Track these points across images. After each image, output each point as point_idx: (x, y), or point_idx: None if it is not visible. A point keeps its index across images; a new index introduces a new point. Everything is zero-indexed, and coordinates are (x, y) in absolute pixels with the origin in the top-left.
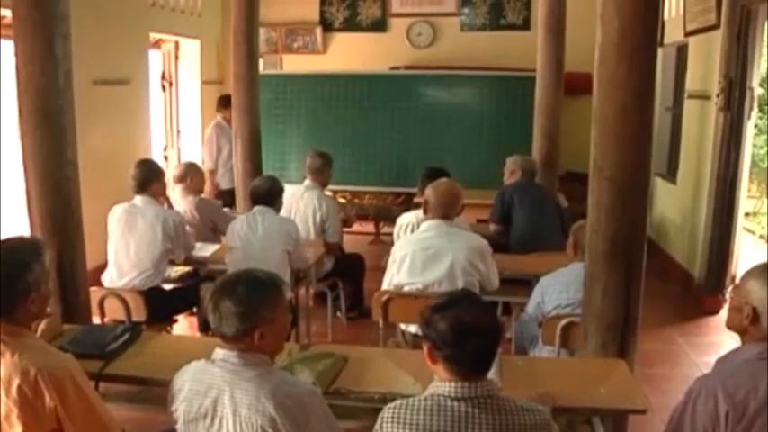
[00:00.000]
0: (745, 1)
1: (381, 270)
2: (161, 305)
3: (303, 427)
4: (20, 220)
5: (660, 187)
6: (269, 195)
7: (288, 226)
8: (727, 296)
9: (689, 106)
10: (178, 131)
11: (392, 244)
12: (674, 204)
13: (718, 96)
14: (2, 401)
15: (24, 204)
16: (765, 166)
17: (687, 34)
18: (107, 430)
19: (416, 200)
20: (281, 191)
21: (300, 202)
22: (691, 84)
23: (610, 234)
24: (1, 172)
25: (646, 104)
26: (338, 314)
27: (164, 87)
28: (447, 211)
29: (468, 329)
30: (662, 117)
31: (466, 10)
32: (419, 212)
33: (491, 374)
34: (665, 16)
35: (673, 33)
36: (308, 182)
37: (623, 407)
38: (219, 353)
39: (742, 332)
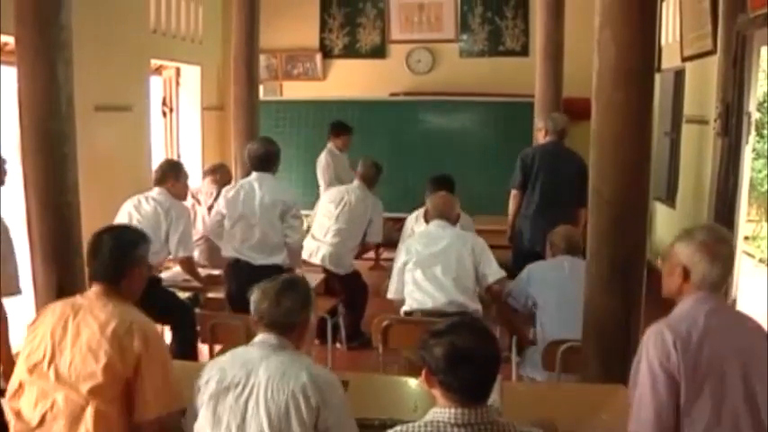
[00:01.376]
0: (741, 27)
1: (382, 296)
2: (153, 292)
3: (326, 402)
4: (20, 245)
5: (659, 211)
6: (266, 158)
7: (285, 194)
8: (659, 266)
9: (687, 131)
10: (179, 157)
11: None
12: (674, 228)
13: (715, 121)
14: (95, 338)
15: (25, 229)
16: (764, 189)
17: (684, 59)
18: (176, 399)
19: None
20: (278, 152)
21: (352, 195)
22: (689, 109)
23: (609, 258)
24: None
25: (644, 129)
26: (338, 345)
27: (164, 113)
28: (444, 216)
29: (461, 356)
30: (660, 141)
31: (465, 36)
32: None
33: (491, 399)
34: (662, 42)
35: (670, 59)
36: (357, 182)
37: None
38: (259, 336)
39: (677, 294)
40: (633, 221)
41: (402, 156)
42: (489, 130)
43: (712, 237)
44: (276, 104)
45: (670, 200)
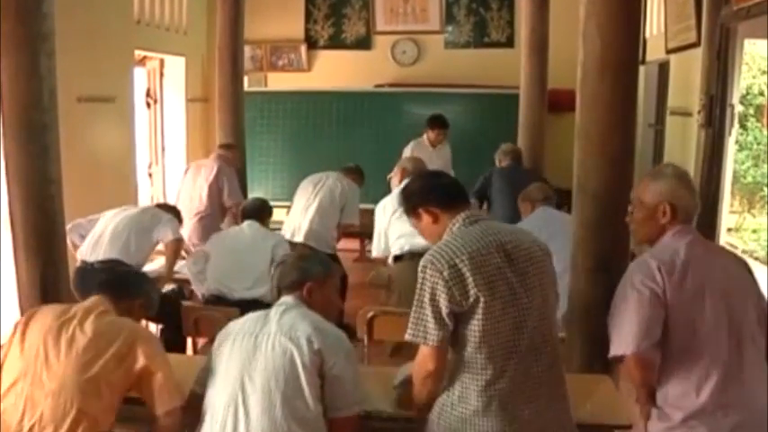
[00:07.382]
0: (724, 19)
1: (366, 287)
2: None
3: (329, 347)
4: (2, 238)
5: None
6: (260, 211)
7: (276, 238)
8: (629, 216)
9: (671, 123)
10: (163, 149)
11: (378, 261)
12: None
13: (699, 113)
14: (91, 347)
15: (7, 222)
16: (747, 181)
17: (669, 52)
18: (180, 394)
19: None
20: (270, 211)
21: (330, 178)
22: (673, 100)
23: (594, 250)
24: None
25: (628, 121)
26: None
27: (148, 104)
28: None
29: (433, 173)
30: (645, 133)
31: (450, 28)
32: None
33: None
34: (647, 34)
35: (654, 51)
36: (339, 173)
37: (608, 422)
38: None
39: (659, 235)
40: (617, 214)
41: (386, 147)
42: (474, 121)
43: (679, 170)
44: (261, 95)
45: None
